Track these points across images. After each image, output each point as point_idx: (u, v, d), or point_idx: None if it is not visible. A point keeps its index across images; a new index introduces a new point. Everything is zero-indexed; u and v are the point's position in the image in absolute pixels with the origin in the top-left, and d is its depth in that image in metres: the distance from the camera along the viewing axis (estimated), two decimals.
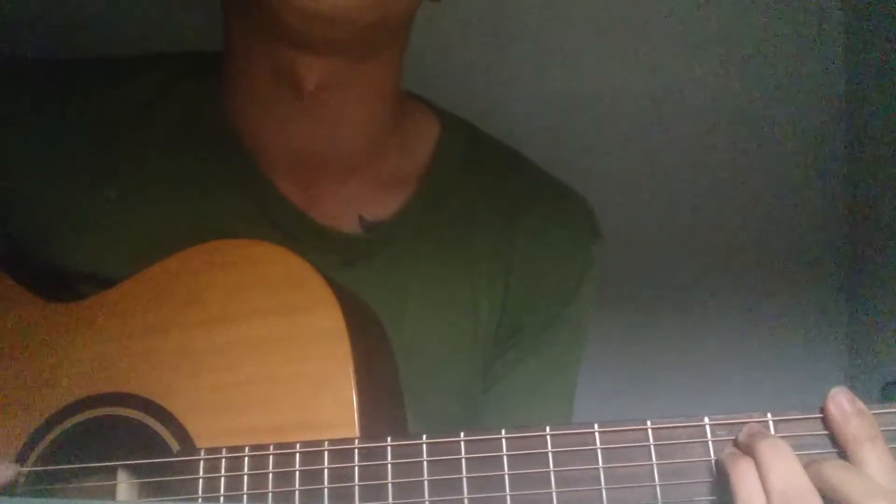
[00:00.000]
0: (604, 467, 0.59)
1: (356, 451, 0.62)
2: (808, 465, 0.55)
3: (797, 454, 0.55)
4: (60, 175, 0.77)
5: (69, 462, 0.67)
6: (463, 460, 0.61)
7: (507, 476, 0.60)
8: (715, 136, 1.21)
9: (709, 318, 1.22)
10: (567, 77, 1.19)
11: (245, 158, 0.77)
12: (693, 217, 1.22)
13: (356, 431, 0.63)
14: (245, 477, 0.63)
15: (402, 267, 0.79)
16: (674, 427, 0.59)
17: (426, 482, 0.61)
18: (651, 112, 1.20)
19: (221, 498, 0.63)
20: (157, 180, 0.77)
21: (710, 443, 0.59)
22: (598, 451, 0.59)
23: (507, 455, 0.60)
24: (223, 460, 0.63)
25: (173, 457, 0.64)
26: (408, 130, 0.82)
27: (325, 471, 0.62)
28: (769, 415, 0.58)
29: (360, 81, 0.74)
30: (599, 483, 0.59)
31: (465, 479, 0.60)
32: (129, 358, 0.68)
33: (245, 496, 0.63)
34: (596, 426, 0.60)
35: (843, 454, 0.56)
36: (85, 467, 0.67)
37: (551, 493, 0.59)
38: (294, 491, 0.62)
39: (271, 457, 0.63)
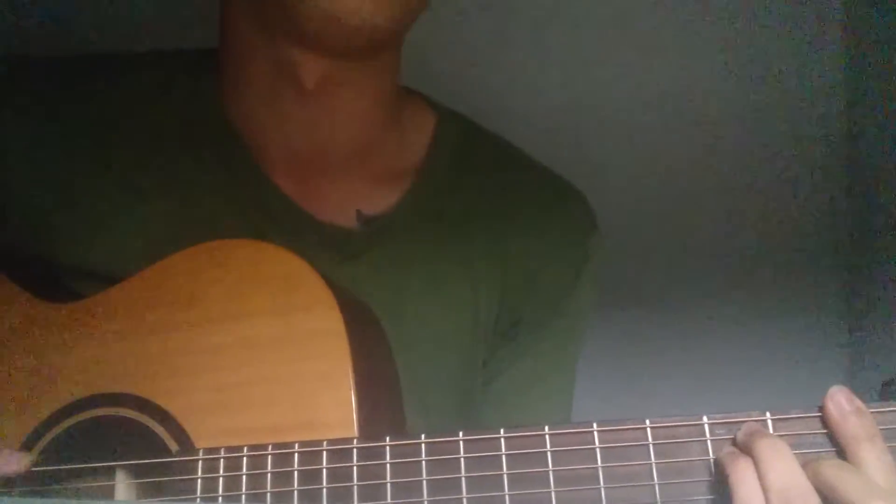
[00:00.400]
0: (602, 466, 0.59)
1: (355, 450, 0.62)
2: (806, 465, 0.54)
3: (796, 453, 0.55)
4: (59, 174, 0.76)
5: (67, 462, 0.67)
6: (462, 460, 0.61)
7: (505, 476, 0.60)
8: (715, 135, 1.21)
9: (709, 317, 1.22)
10: (566, 76, 1.19)
11: (243, 155, 0.77)
12: (693, 216, 1.22)
13: (355, 431, 0.63)
14: (244, 477, 0.63)
15: (400, 261, 0.79)
16: (673, 426, 0.59)
17: (425, 482, 0.61)
18: (651, 111, 1.20)
19: (220, 498, 0.63)
20: (156, 178, 0.77)
21: (708, 442, 0.59)
22: (597, 450, 0.59)
23: (506, 454, 0.60)
24: (221, 460, 0.63)
25: (172, 457, 0.64)
26: (405, 124, 0.82)
27: (324, 471, 0.62)
28: (768, 413, 0.58)
29: (361, 80, 0.75)
30: (598, 482, 0.59)
31: (463, 479, 0.60)
32: (128, 358, 0.68)
33: (244, 496, 0.63)
34: (595, 425, 0.60)
35: (841, 453, 0.56)
36: (83, 468, 0.67)
37: (550, 492, 0.59)
38: (293, 491, 0.62)
39: (270, 457, 0.63)
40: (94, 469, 0.67)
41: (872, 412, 0.57)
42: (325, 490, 0.61)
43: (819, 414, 0.58)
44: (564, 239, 0.85)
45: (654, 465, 0.59)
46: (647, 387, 1.21)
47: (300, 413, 0.64)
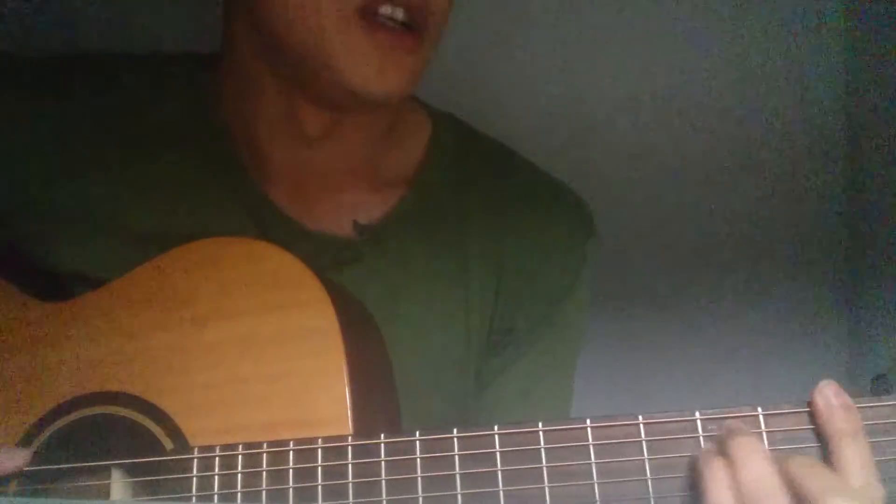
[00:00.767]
0: (596, 462, 0.59)
1: (349, 447, 0.62)
2: (779, 461, 0.55)
3: (784, 448, 0.56)
4: (57, 174, 0.77)
5: (62, 461, 0.67)
6: (456, 456, 0.61)
7: (500, 472, 0.60)
8: (714, 135, 1.21)
9: (707, 315, 1.21)
10: (566, 76, 1.19)
11: (237, 164, 0.77)
12: (692, 215, 1.22)
13: (349, 428, 0.63)
14: (239, 475, 0.63)
15: (395, 268, 0.79)
16: (665, 422, 0.59)
17: (419, 479, 0.61)
18: (650, 111, 1.20)
19: (216, 497, 0.63)
20: (150, 181, 0.77)
21: (700, 437, 0.59)
22: (591, 446, 0.59)
23: (500, 451, 0.60)
24: (216, 458, 0.63)
25: (167, 455, 0.64)
26: (401, 132, 0.82)
27: (319, 468, 0.62)
28: (759, 409, 0.58)
29: (365, 122, 0.77)
30: (592, 477, 0.59)
31: (458, 476, 0.60)
32: (122, 356, 0.68)
33: (239, 494, 0.63)
34: (588, 421, 0.60)
35: (825, 447, 0.56)
36: (79, 467, 0.67)
37: (544, 487, 0.59)
38: (288, 489, 0.62)
39: (265, 454, 0.63)
40: (90, 468, 0.67)
41: (865, 408, 0.57)
42: (320, 487, 0.61)
43: (808, 409, 0.58)
44: (560, 245, 0.84)
45: (646, 461, 0.59)
46: (647, 384, 1.21)
47: (295, 410, 0.64)
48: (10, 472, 0.65)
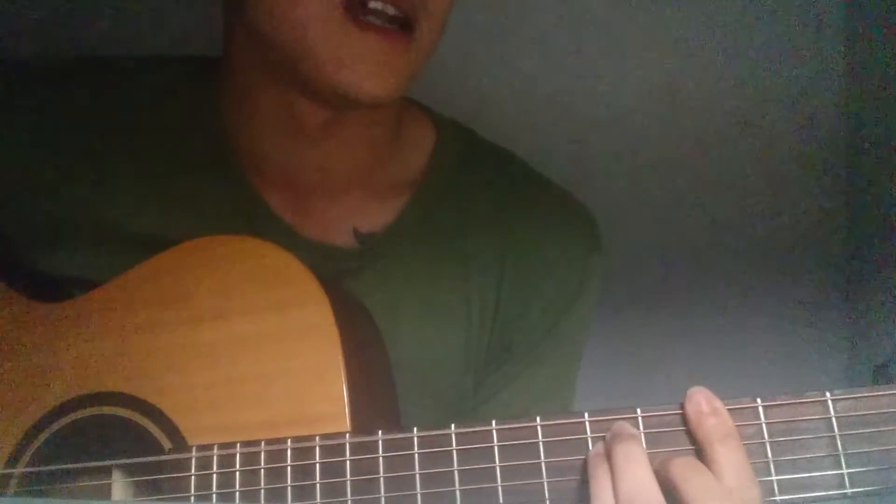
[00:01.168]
0: None
1: (347, 445, 0.62)
2: (661, 463, 0.56)
3: (664, 450, 0.57)
4: (54, 176, 0.76)
5: (61, 462, 0.67)
6: (454, 452, 0.61)
7: (498, 467, 0.60)
8: (715, 135, 1.21)
9: (707, 313, 1.21)
10: (566, 77, 1.19)
11: (237, 171, 0.77)
12: (692, 215, 1.21)
13: (347, 426, 0.63)
14: (237, 473, 0.63)
15: (395, 278, 0.77)
16: (664, 415, 0.59)
17: (418, 475, 0.61)
18: (650, 110, 1.20)
19: (214, 496, 0.63)
20: (150, 187, 0.77)
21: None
22: (589, 439, 0.59)
23: (498, 446, 0.60)
24: (215, 457, 0.63)
25: (165, 455, 0.64)
26: (404, 139, 0.81)
27: (317, 466, 0.62)
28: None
29: (363, 121, 0.76)
30: None
31: (456, 472, 0.60)
32: (119, 356, 0.68)
33: (237, 493, 0.63)
34: (586, 415, 0.60)
35: (699, 452, 0.57)
36: (78, 467, 0.67)
37: (542, 482, 0.59)
38: (286, 487, 0.62)
39: (263, 453, 0.63)
40: (89, 468, 0.67)
41: (866, 397, 0.57)
42: (318, 485, 0.61)
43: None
44: (564, 257, 0.82)
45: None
46: (647, 381, 1.20)
47: (293, 408, 0.64)
48: None
